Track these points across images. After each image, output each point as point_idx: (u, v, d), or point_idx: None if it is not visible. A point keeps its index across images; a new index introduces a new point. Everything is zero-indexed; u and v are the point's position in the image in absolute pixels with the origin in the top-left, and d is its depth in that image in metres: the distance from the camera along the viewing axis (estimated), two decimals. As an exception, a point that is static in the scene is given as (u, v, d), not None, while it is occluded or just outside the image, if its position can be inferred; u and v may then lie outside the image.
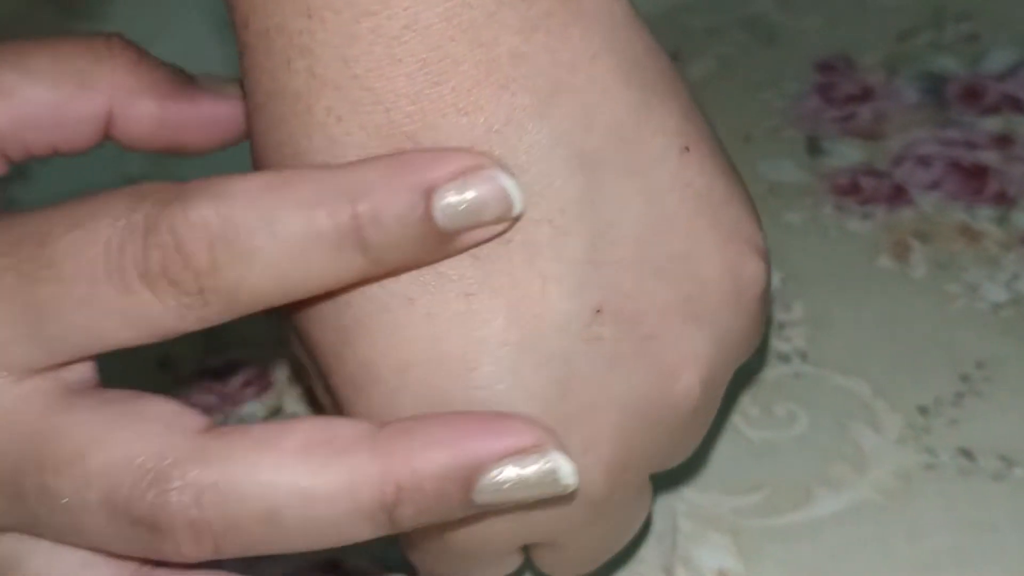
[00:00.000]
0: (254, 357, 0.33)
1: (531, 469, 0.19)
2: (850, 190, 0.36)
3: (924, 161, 0.36)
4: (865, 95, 0.40)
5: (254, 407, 0.32)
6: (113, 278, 0.19)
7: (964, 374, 0.30)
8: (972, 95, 0.39)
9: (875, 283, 0.33)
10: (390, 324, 0.20)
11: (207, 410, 0.32)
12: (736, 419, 0.29)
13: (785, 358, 0.31)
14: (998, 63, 0.40)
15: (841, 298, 0.32)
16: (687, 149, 0.21)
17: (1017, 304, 0.31)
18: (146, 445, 0.19)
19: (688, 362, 0.21)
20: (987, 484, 0.27)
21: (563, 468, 0.19)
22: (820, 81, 0.40)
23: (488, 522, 0.21)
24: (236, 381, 0.33)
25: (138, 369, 0.33)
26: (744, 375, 0.30)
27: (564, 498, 0.20)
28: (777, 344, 0.31)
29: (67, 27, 0.50)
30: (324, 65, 0.19)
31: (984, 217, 0.34)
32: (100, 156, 0.42)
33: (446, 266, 0.20)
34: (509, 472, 0.19)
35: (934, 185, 0.36)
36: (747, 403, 0.30)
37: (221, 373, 0.33)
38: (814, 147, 0.38)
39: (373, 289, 0.20)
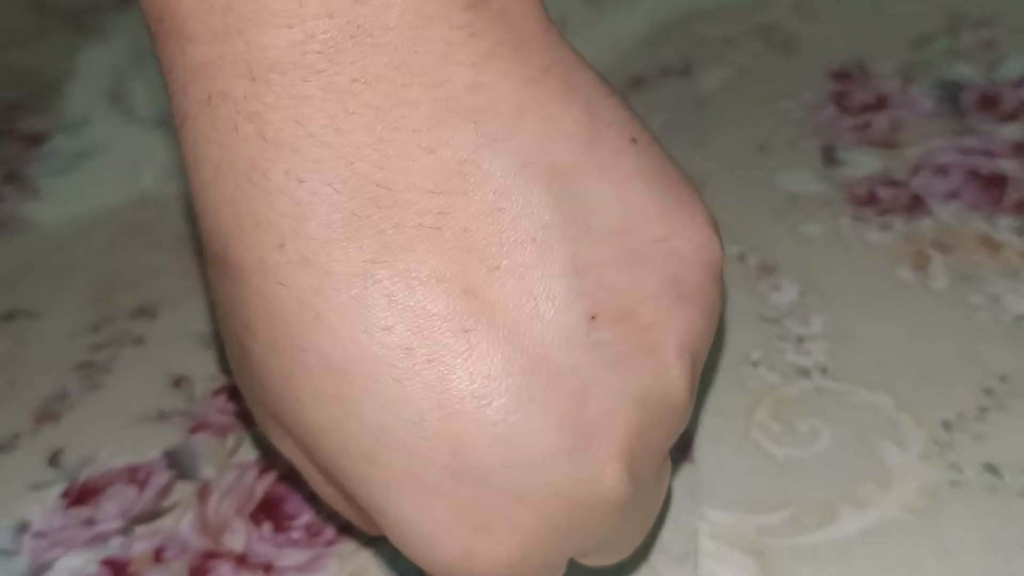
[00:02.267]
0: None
1: None
2: (868, 200, 0.35)
3: (942, 170, 0.36)
4: (881, 103, 0.39)
5: (270, 427, 0.31)
6: None
7: (988, 388, 0.29)
8: (989, 102, 0.38)
9: (896, 296, 0.32)
10: (395, 379, 0.19)
11: (221, 430, 0.32)
12: (758, 436, 0.29)
13: (806, 373, 0.30)
14: (1015, 70, 0.40)
15: (861, 311, 0.32)
16: (635, 140, 0.21)
17: (1040, 315, 0.31)
18: None
19: (685, 341, 0.21)
20: (1014, 500, 0.27)
21: None
22: (836, 90, 0.40)
23: (532, 549, 0.21)
24: (251, 400, 0.32)
25: (153, 388, 0.33)
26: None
27: (593, 511, 0.20)
28: (797, 359, 0.31)
29: (81, 43, 0.50)
30: (275, 128, 0.19)
31: (1004, 227, 0.34)
32: (114, 174, 0.42)
33: (437, 306, 0.19)
34: None
35: (953, 195, 0.35)
36: (769, 419, 0.29)
37: (235, 392, 0.33)
38: (831, 157, 0.37)
39: (370, 348, 0.19)
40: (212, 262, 0.21)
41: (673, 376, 0.21)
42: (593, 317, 0.20)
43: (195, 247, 0.38)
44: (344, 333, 0.19)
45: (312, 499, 0.29)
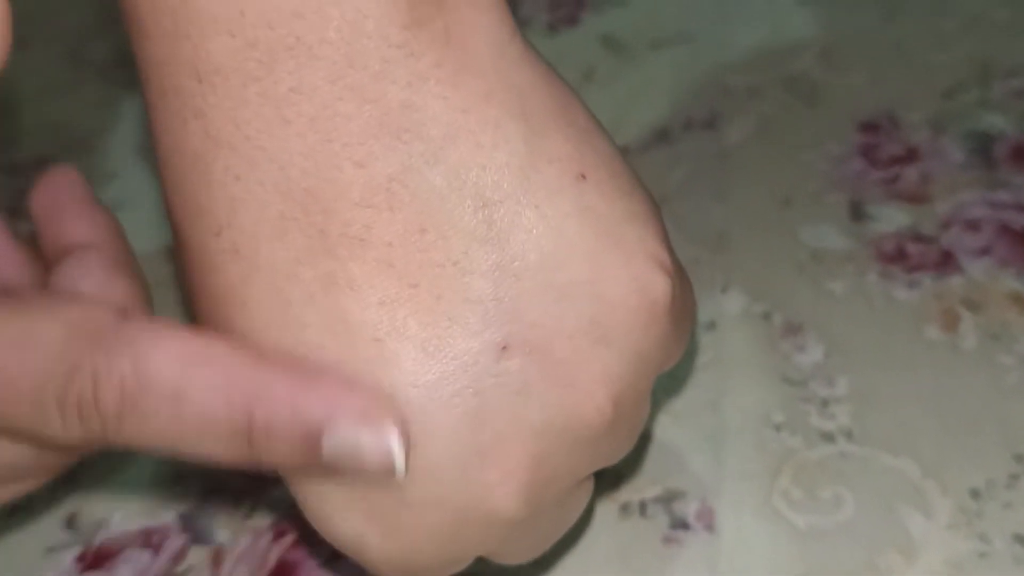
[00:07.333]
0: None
1: (369, 440, 0.20)
2: (896, 257, 0.35)
3: (973, 225, 0.35)
4: (910, 156, 0.39)
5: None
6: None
7: (1018, 454, 0.28)
8: (1022, 155, 0.38)
9: (923, 356, 0.31)
10: None
11: (237, 493, 0.31)
12: (779, 503, 0.28)
13: (830, 437, 0.30)
14: (1049, 120, 0.39)
15: (887, 372, 0.31)
16: (583, 176, 0.21)
17: (1074, 378, 0.30)
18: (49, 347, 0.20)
19: (598, 382, 0.21)
20: (1045, 574, 0.26)
21: (397, 454, 0.20)
22: (864, 142, 0.39)
23: (419, 549, 0.22)
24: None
25: (171, 448, 0.33)
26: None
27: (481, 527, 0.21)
28: (821, 423, 0.30)
29: (113, 96, 0.51)
30: (217, 127, 0.20)
31: (1037, 284, 0.33)
32: (141, 227, 0.43)
33: (352, 313, 0.20)
34: (350, 434, 0.20)
35: (983, 251, 0.34)
36: (790, 485, 0.29)
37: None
38: (858, 211, 0.37)
39: (287, 340, 0.21)
40: (173, 232, 0.22)
41: (584, 412, 0.21)
42: (504, 347, 0.21)
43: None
44: (264, 323, 0.21)
45: (328, 565, 0.29)
